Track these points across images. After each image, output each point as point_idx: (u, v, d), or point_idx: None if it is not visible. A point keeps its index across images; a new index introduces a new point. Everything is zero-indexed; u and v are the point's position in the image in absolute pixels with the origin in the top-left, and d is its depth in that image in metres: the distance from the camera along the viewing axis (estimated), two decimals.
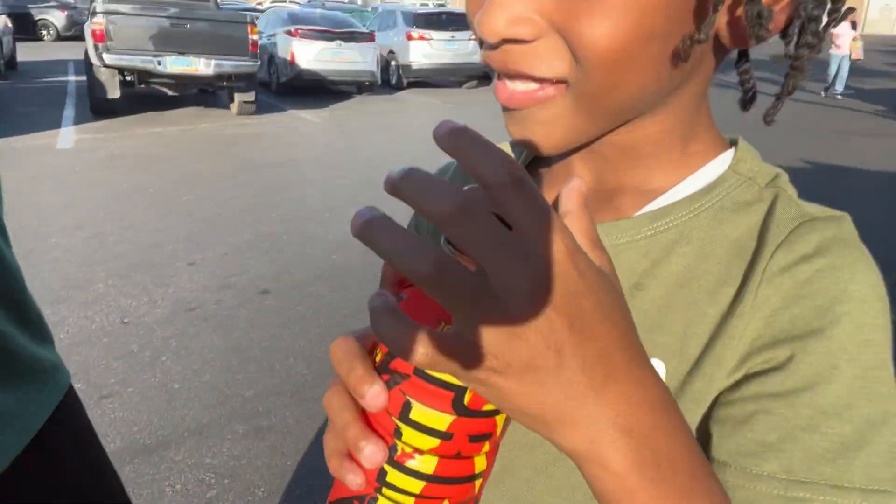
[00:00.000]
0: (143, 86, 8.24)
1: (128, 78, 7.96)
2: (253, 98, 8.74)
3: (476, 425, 0.34)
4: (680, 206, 0.44)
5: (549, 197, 0.34)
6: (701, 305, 0.42)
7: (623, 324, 0.30)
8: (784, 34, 0.41)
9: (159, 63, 7.73)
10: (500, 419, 0.35)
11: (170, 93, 8.93)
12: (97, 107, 8.26)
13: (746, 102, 0.49)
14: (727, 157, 0.46)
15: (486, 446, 0.36)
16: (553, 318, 0.27)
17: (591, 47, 0.36)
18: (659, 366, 0.42)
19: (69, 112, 8.46)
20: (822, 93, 11.90)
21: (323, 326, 3.17)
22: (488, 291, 0.26)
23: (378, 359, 0.35)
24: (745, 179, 0.45)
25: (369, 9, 19.78)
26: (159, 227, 4.50)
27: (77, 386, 0.87)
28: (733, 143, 0.48)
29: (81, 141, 6.99)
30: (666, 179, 0.46)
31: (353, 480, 0.34)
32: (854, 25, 12.20)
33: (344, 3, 23.47)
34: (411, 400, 0.33)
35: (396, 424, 0.33)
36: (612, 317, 0.29)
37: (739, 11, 0.38)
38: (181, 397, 2.58)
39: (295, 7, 15.44)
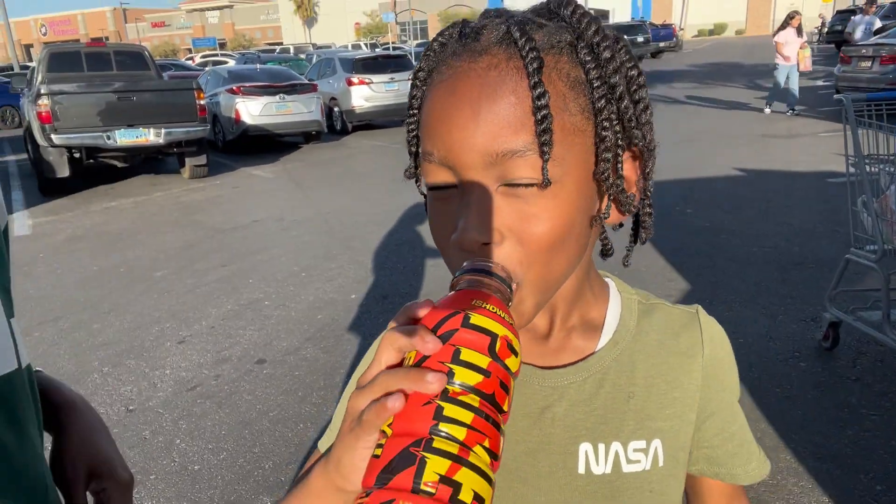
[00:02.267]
0: (91, 161, 8.23)
1: (75, 154, 7.95)
2: (205, 161, 8.83)
3: (503, 372, 0.43)
4: (621, 331, 0.67)
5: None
6: (669, 393, 0.65)
7: None
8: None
9: (108, 137, 7.77)
10: (511, 384, 0.44)
11: (119, 164, 8.93)
12: (46, 187, 8.21)
13: (604, 254, 0.70)
14: (613, 286, 0.70)
15: (506, 405, 0.43)
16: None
17: (537, 240, 0.53)
18: (658, 443, 0.64)
19: (17, 195, 8.35)
20: (767, 109, 11.00)
21: (324, 388, 3.32)
22: None
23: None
24: (636, 300, 0.69)
25: (303, 57, 19.98)
26: (140, 308, 4.55)
27: None
28: (603, 275, 0.71)
29: (39, 225, 6.94)
30: (597, 313, 0.67)
31: (430, 383, 0.41)
32: (800, 31, 10.15)
33: (275, 53, 23.62)
34: (460, 347, 0.42)
35: (449, 368, 0.41)
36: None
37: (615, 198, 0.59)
38: (203, 478, 2.68)
39: (231, 64, 15.51)
